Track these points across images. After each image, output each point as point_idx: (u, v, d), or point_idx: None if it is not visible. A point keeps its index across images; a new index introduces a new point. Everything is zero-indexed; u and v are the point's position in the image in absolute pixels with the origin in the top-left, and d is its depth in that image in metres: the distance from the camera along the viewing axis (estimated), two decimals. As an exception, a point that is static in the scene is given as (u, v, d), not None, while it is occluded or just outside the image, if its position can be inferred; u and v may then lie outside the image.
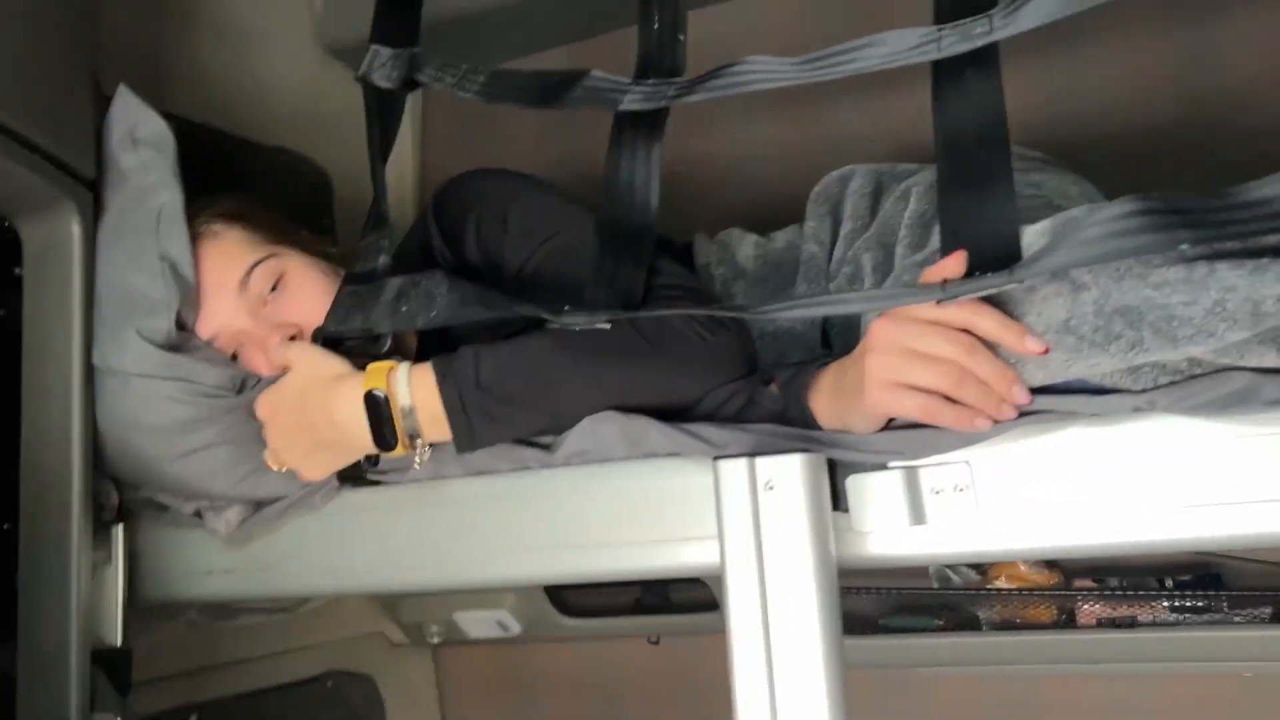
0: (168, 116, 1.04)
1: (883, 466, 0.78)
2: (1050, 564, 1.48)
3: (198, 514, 1.01)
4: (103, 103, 1.01)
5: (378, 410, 0.88)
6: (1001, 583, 1.48)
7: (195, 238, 1.00)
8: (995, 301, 0.75)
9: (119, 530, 0.99)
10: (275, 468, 0.95)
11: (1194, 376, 0.71)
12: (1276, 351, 0.67)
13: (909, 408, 0.75)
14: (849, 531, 0.78)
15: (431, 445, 0.91)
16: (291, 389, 0.92)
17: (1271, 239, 0.67)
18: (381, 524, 0.96)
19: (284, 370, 0.94)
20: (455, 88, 1.08)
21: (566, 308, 0.88)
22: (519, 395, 0.88)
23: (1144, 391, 0.72)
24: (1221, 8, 1.37)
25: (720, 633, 0.75)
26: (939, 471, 0.76)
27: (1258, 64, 1.36)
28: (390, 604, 1.70)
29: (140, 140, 0.99)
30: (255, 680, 1.47)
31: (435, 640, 1.70)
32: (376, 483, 0.98)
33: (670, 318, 0.90)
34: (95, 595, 0.93)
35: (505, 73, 1.08)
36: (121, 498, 1.01)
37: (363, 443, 0.90)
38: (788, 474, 0.73)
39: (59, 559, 0.88)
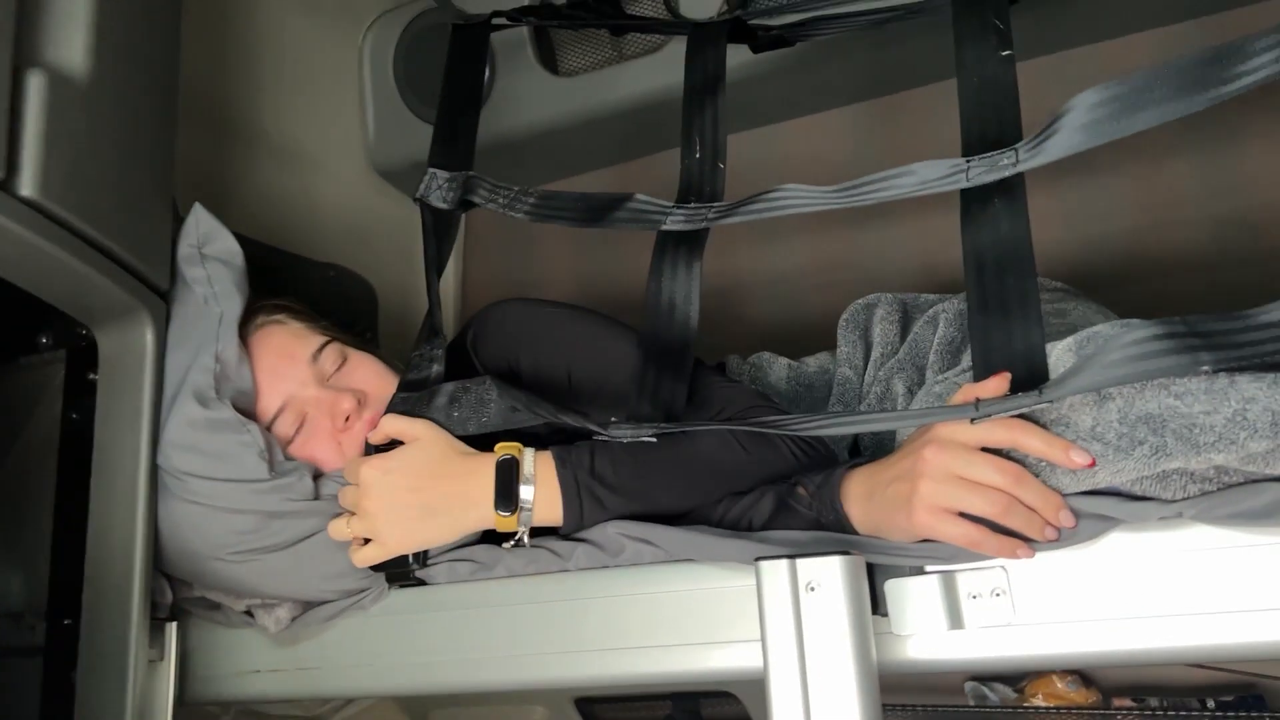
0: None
1: (920, 571, 0.80)
2: (1088, 682, 1.46)
3: (249, 612, 1.04)
4: (177, 221, 1.08)
5: (508, 473, 0.93)
6: (1038, 701, 1.46)
7: (259, 326, 1.07)
8: (1025, 413, 0.78)
9: (172, 628, 1.01)
10: (345, 535, 0.97)
11: (1227, 486, 0.73)
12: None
13: (955, 535, 0.77)
14: (887, 635, 0.79)
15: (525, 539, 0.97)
16: (419, 456, 0.96)
17: (1288, 355, 0.71)
18: (424, 625, 0.98)
19: (382, 440, 0.99)
20: (506, 208, 1.15)
21: (613, 419, 0.93)
22: (625, 486, 0.95)
23: (1174, 501, 0.74)
24: (1234, 138, 1.43)
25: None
26: (976, 577, 0.78)
27: (1273, 190, 1.41)
28: (419, 714, 1.69)
29: (208, 255, 1.06)
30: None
31: (465, 752, 1.68)
32: (421, 583, 1.01)
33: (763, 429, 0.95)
34: (148, 692, 0.95)
35: (553, 194, 1.14)
36: (174, 596, 1.04)
37: (478, 513, 0.94)
38: (829, 575, 0.75)
39: (118, 656, 0.91)
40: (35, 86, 0.82)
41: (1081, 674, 1.46)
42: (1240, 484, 0.74)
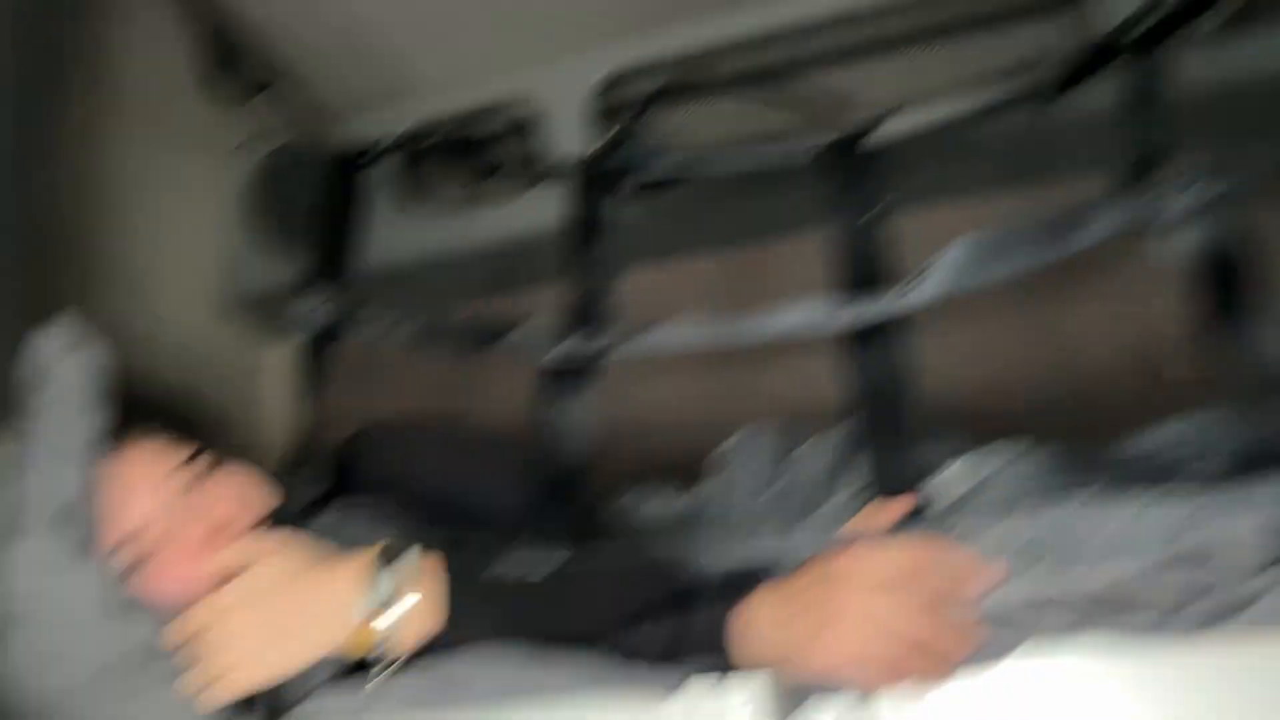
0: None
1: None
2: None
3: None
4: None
5: (383, 561, 0.85)
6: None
7: (117, 443, 0.96)
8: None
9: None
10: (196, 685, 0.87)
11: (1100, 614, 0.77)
12: (1179, 580, 0.75)
13: (864, 678, 0.76)
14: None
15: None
16: (261, 575, 0.88)
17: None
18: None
19: (220, 574, 0.90)
20: (385, 335, 1.13)
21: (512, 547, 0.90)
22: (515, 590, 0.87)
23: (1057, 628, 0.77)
24: (1061, 299, 1.58)
25: None
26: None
27: (1097, 343, 1.56)
28: None
29: (64, 369, 0.97)
30: None
31: None
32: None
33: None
34: None
35: (435, 321, 1.14)
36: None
37: (338, 624, 0.84)
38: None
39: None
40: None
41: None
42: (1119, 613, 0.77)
